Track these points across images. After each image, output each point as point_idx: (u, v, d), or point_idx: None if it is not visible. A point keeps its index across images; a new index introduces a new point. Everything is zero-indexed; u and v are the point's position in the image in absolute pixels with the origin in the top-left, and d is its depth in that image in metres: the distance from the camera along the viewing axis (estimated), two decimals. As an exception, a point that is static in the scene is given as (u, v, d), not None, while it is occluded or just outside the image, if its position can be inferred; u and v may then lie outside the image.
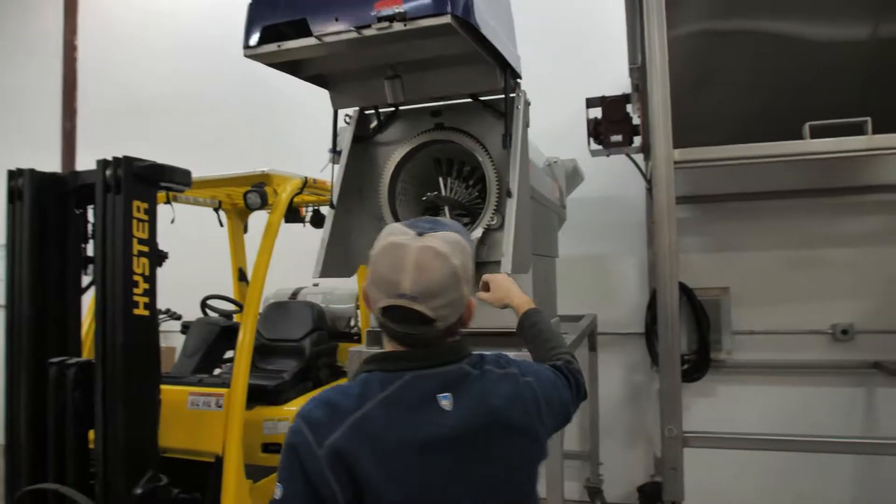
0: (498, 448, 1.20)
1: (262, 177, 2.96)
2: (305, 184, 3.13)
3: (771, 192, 3.65)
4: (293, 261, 4.18)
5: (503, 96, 2.37)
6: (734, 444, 2.36)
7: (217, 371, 3.10)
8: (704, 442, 2.25)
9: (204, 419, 2.63)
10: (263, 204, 2.93)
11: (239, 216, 3.96)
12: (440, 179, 2.53)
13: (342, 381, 3.51)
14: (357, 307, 3.87)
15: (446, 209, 2.52)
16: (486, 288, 1.91)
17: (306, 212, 3.50)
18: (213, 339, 3.17)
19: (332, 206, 2.37)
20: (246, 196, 2.90)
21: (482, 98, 2.40)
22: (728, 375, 3.73)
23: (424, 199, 2.51)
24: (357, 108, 2.54)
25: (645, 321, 3.80)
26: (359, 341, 3.80)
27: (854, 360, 3.56)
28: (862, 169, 3.58)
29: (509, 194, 2.17)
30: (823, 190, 3.61)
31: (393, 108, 2.51)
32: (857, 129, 2.18)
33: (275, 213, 2.96)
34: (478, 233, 2.35)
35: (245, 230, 4.03)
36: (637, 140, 3.18)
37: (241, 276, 3.96)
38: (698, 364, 3.59)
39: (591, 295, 4.03)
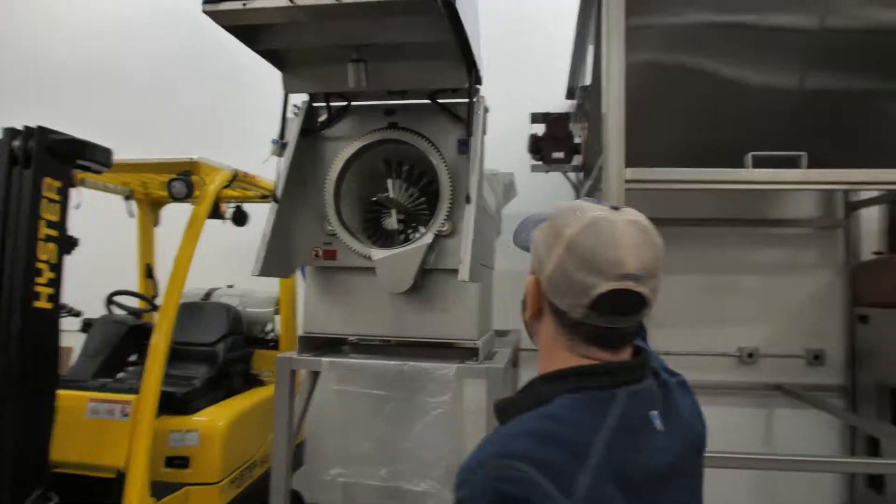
0: (699, 471, 1.07)
1: (189, 165, 2.72)
2: (235, 177, 2.92)
3: (691, 219, 3.81)
4: (206, 260, 3.94)
5: (461, 100, 2.32)
6: None
7: (121, 375, 2.79)
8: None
9: (106, 429, 2.34)
10: (189, 194, 2.68)
11: (151, 207, 3.64)
12: (389, 181, 2.42)
13: (263, 390, 3.31)
14: (276, 312, 3.65)
15: (393, 212, 2.41)
16: None
17: (227, 208, 3.27)
18: (120, 339, 2.86)
19: (275, 200, 2.21)
20: (171, 184, 2.64)
21: (440, 101, 2.33)
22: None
23: (375, 199, 2.40)
24: (306, 100, 2.40)
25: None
26: (276, 348, 3.58)
27: (758, 381, 3.77)
28: (771, 203, 3.83)
29: (468, 200, 2.11)
30: (737, 220, 3.82)
31: (345, 103, 2.38)
32: (793, 163, 2.30)
33: (201, 205, 2.73)
34: (428, 239, 2.27)
35: (156, 223, 3.71)
36: (577, 158, 3.22)
37: (149, 272, 3.63)
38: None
39: (516, 311, 4.03)
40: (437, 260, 2.31)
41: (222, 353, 3.19)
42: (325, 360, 2.35)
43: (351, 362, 2.35)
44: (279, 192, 2.24)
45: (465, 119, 2.30)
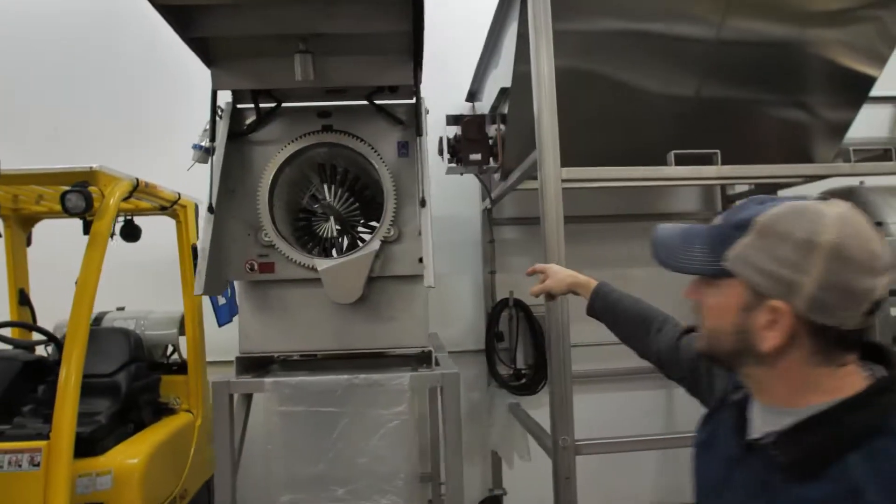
0: None
1: (86, 174, 2.41)
2: (136, 187, 2.63)
3: (592, 216, 4.02)
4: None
5: (400, 101, 2.27)
6: (621, 447, 2.51)
7: (18, 419, 2.40)
8: (594, 448, 2.34)
9: (12, 484, 2.01)
10: (88, 208, 2.38)
11: (21, 225, 3.19)
12: (325, 186, 2.32)
13: (175, 420, 3.02)
14: (180, 333, 3.34)
15: (332, 219, 2.31)
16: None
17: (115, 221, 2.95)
18: (13, 378, 2.46)
19: (211, 210, 2.02)
20: (66, 197, 2.32)
21: (377, 101, 2.26)
22: (559, 386, 3.98)
23: (317, 206, 2.28)
24: (228, 101, 2.22)
25: (486, 339, 3.89)
26: (181, 372, 3.28)
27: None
28: (661, 198, 4.13)
29: (423, 203, 2.06)
30: (632, 215, 4.08)
31: (273, 104, 2.23)
32: (709, 160, 2.50)
33: (102, 220, 2.42)
34: (375, 245, 2.20)
35: (28, 243, 3.26)
36: (491, 160, 3.27)
37: (23, 298, 3.18)
38: (536, 377, 3.77)
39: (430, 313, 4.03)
40: (384, 266, 2.24)
41: (126, 383, 2.87)
42: (267, 380, 2.20)
43: (297, 380, 2.21)
44: (213, 201, 2.05)
45: (404, 120, 2.26)
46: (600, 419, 3.85)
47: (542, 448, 2.68)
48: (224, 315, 3.34)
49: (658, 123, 2.98)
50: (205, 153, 2.19)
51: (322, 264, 2.17)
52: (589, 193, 3.88)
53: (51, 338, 2.71)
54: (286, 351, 2.31)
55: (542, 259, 2.24)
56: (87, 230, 2.87)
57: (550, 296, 1.87)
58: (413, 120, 2.20)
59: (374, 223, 2.36)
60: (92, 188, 2.42)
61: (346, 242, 2.38)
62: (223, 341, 3.48)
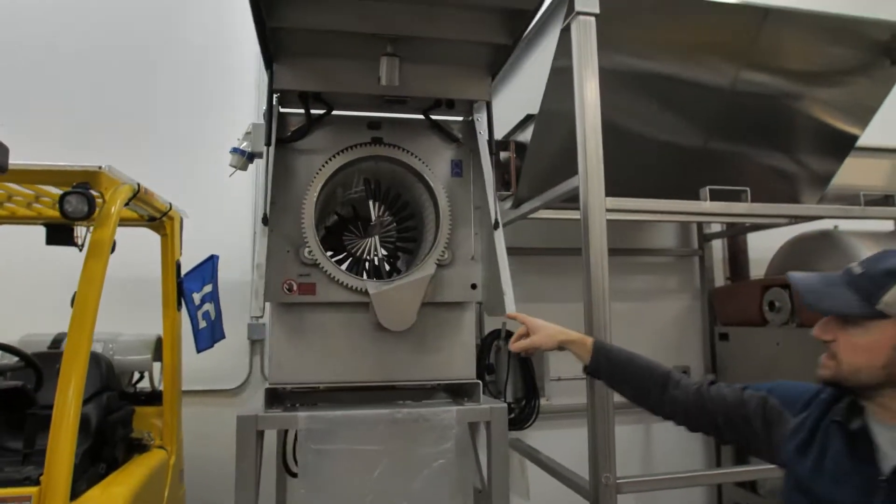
0: None
1: (88, 174, 2.10)
2: (137, 192, 2.34)
3: (570, 248, 4.03)
4: (39, 299, 3.14)
5: (455, 118, 2.16)
6: (660, 484, 2.45)
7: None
8: (636, 486, 2.27)
9: (0, 539, 1.66)
10: (90, 213, 2.07)
11: (-26, 231, 2.76)
12: (371, 203, 2.15)
13: (149, 458, 2.66)
14: (155, 358, 2.99)
15: (376, 239, 2.15)
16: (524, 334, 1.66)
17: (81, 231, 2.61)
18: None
19: (265, 221, 1.80)
20: (65, 199, 2.01)
21: (433, 117, 2.13)
22: (544, 420, 3.90)
23: (372, 224, 2.10)
24: (275, 104, 2.02)
25: (476, 371, 3.75)
26: (153, 402, 2.92)
27: None
28: (638, 234, 4.21)
29: (497, 226, 1.94)
30: (611, 249, 4.12)
31: (323, 111, 2.05)
32: (738, 197, 2.55)
33: (105, 228, 2.12)
34: (430, 269, 2.05)
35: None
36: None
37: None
38: (526, 411, 3.68)
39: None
40: (434, 292, 2.09)
41: (97, 416, 2.50)
42: (301, 414, 1.97)
43: (335, 415, 1.99)
44: (268, 212, 1.83)
45: (459, 138, 2.14)
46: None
47: (560, 484, 2.58)
48: (205, 340, 3.03)
49: (669, 158, 3.05)
50: (246, 159, 1.97)
51: (374, 287, 1.99)
52: (565, 226, 3.89)
53: (29, 362, 2.32)
54: (322, 382, 2.08)
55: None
56: (52, 239, 2.56)
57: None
58: (480, 136, 2.08)
59: (402, 245, 2.20)
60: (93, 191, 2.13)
61: (377, 266, 2.20)
62: (198, 370, 3.18)
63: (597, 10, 2.25)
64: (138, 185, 2.35)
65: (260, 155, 1.98)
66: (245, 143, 1.98)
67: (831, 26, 2.71)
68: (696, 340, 4.20)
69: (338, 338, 2.07)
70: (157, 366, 3.07)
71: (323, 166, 2.03)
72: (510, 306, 1.87)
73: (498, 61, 1.90)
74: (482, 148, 2.08)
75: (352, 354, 2.07)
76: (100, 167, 2.11)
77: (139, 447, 2.75)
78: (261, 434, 2.10)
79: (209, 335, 3.04)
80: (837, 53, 2.84)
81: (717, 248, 4.29)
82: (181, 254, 2.95)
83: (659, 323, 4.21)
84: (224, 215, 3.58)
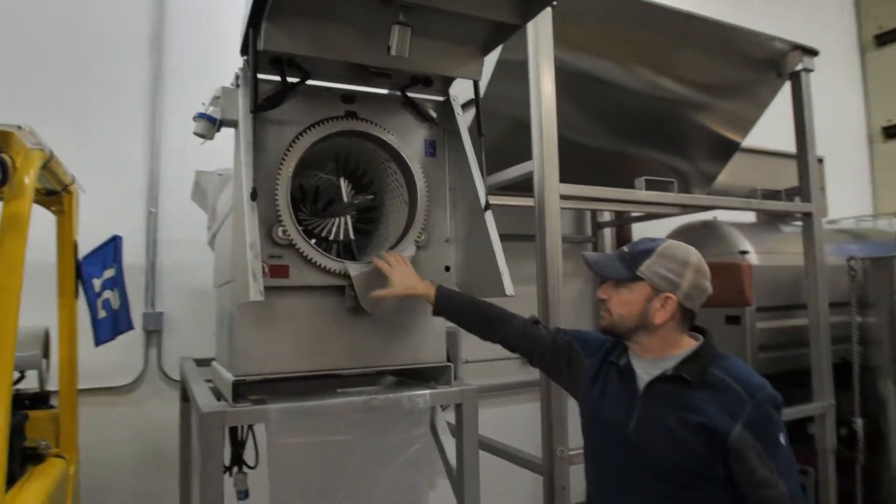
0: None
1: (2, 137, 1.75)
2: (48, 161, 2.00)
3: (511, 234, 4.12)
4: None
5: (432, 97, 2.11)
6: None
7: None
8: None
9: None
10: (5, 180, 1.74)
11: None
12: (342, 181, 2.04)
13: (49, 468, 2.29)
14: (45, 355, 2.57)
15: (348, 219, 2.04)
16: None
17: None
18: None
19: (254, 196, 1.63)
20: (-22, 164, 1.66)
21: (409, 94, 2.06)
22: (455, 403, 3.96)
23: (353, 202, 1.98)
24: (251, 68, 1.82)
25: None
26: (40, 405, 2.52)
27: (537, 379, 4.27)
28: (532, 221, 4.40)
29: (487, 207, 1.92)
30: (510, 235, 4.28)
31: (298, 80, 1.89)
32: (666, 187, 2.76)
33: (22, 199, 1.78)
34: (412, 250, 1.99)
35: None
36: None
37: None
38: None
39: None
40: (411, 275, 2.02)
41: (-15, 425, 2.11)
42: (272, 407, 1.81)
43: (307, 406, 1.86)
44: (246, 185, 1.65)
45: (434, 118, 2.09)
46: (494, 430, 3.94)
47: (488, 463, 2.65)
48: (105, 331, 2.68)
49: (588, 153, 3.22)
50: (212, 125, 1.75)
51: (355, 269, 1.88)
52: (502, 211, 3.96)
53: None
54: (293, 372, 1.93)
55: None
56: None
57: None
58: (458, 117, 2.04)
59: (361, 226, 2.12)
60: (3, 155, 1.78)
61: (347, 247, 2.09)
62: (82, 366, 2.77)
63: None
64: (50, 151, 2.01)
65: (232, 123, 1.77)
66: (213, 109, 1.76)
67: (738, 39, 3.02)
68: (587, 321, 4.48)
69: (308, 324, 1.93)
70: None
71: (297, 139, 1.87)
72: (509, 287, 1.87)
73: (495, 41, 1.87)
74: (462, 128, 2.04)
75: (322, 342, 1.94)
76: (19, 126, 1.77)
77: (34, 457, 2.36)
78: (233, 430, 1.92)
79: (110, 326, 2.69)
80: (736, 65, 3.18)
81: (608, 236, 4.62)
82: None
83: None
84: (111, 191, 3.17)
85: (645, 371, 1.60)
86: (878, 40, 6.08)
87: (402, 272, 1.89)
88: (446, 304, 1.92)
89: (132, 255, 3.19)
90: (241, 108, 1.75)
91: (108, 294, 2.70)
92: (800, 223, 4.44)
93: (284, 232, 1.82)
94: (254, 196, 1.64)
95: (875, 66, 6.11)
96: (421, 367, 2.10)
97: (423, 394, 2.01)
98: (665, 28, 2.83)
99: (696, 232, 3.99)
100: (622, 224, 4.51)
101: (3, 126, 1.76)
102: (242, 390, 1.86)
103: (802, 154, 3.31)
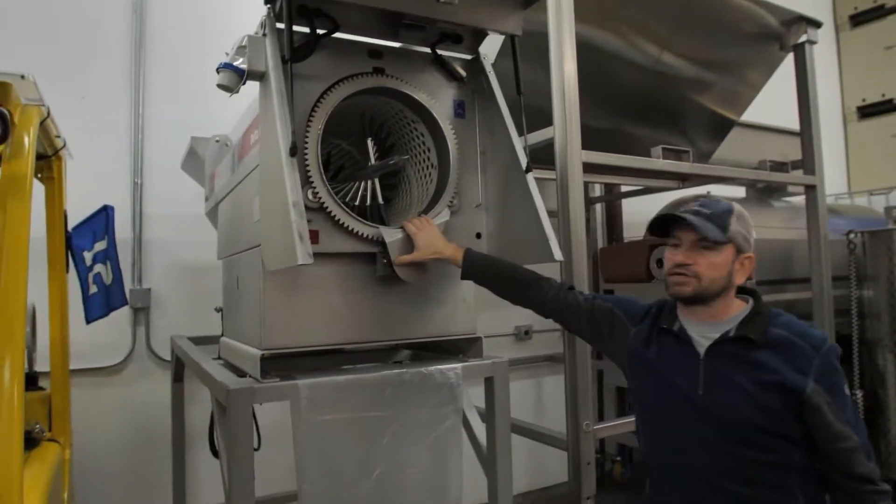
0: None
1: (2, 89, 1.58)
2: (45, 119, 1.82)
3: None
4: None
5: (461, 55, 2.01)
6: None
7: None
8: (611, 430, 2.35)
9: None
10: (5, 136, 1.57)
11: None
12: (369, 142, 1.92)
13: (45, 452, 2.13)
14: (33, 331, 2.38)
15: (376, 182, 1.94)
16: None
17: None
18: None
19: (293, 151, 1.51)
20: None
21: (440, 52, 1.95)
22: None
23: (389, 163, 1.86)
24: (272, 15, 1.69)
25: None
26: (30, 387, 2.34)
27: (533, 355, 4.25)
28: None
29: (528, 169, 1.83)
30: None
31: (326, 31, 1.76)
32: (682, 156, 2.72)
33: (23, 158, 1.62)
34: (445, 215, 1.89)
35: None
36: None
37: None
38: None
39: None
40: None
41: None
42: (302, 382, 1.70)
43: (338, 381, 1.76)
44: (290, 137, 1.52)
45: (464, 77, 1.99)
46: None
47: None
48: (97, 307, 2.52)
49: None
50: (238, 77, 1.61)
51: (391, 235, 1.78)
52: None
53: None
54: (322, 345, 1.81)
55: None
56: None
57: None
58: (474, 77, 1.94)
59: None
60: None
61: (376, 212, 1.98)
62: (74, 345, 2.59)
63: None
64: (48, 108, 1.83)
65: (258, 75, 1.63)
66: (240, 60, 1.62)
67: (742, 11, 2.97)
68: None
69: (337, 294, 1.81)
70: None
71: (326, 94, 1.74)
72: (557, 252, 1.79)
73: (534, -2, 1.78)
74: (495, 87, 1.94)
75: (351, 312, 1.84)
76: (22, 76, 1.60)
77: (29, 441, 2.19)
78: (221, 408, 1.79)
79: (103, 302, 2.52)
80: (738, 39, 3.14)
81: (598, 211, 4.59)
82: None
83: (548, 281, 4.40)
84: (94, 161, 2.96)
85: (701, 335, 1.57)
86: (853, 20, 6.18)
87: (428, 234, 1.80)
88: (475, 268, 1.83)
89: (117, 229, 3.00)
90: (269, 57, 1.61)
91: (99, 268, 2.52)
92: (788, 199, 4.52)
93: (315, 194, 1.70)
94: (293, 151, 1.51)
95: (850, 47, 6.22)
96: (450, 339, 2.00)
97: (454, 367, 1.92)
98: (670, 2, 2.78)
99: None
100: (612, 200, 4.48)
101: (3, 75, 1.58)
102: (265, 366, 1.74)
103: (807, 128, 3.31)
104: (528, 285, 1.86)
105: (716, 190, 4.05)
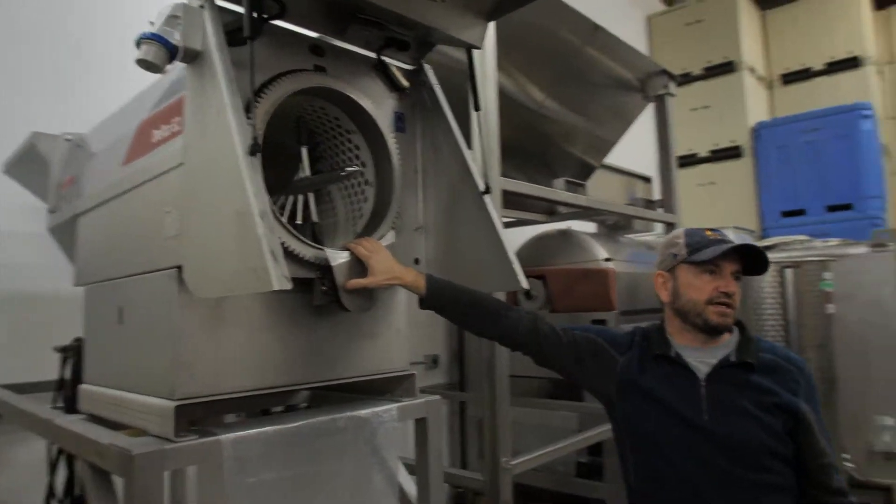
0: None
1: None
2: None
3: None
4: None
5: (405, 65, 1.85)
6: (551, 455, 2.45)
7: None
8: (530, 463, 2.27)
9: None
10: None
11: None
12: (304, 151, 1.68)
13: None
14: None
15: (311, 198, 1.70)
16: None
17: None
18: None
19: (255, 150, 1.22)
20: None
21: (384, 58, 1.77)
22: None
23: (340, 174, 1.62)
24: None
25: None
26: None
27: (441, 382, 4.10)
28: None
29: (488, 190, 1.70)
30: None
31: (271, 15, 1.50)
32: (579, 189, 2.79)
33: None
34: (391, 238, 1.71)
35: None
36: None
37: None
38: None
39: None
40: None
41: None
42: (225, 437, 1.38)
43: (267, 433, 1.46)
44: (251, 132, 1.22)
45: (406, 88, 1.82)
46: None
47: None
48: None
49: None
50: (167, 54, 1.27)
51: (336, 258, 1.53)
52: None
53: None
54: (248, 390, 1.48)
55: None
56: None
57: None
58: (415, 89, 1.79)
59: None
60: None
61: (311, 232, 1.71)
62: None
63: None
64: None
65: (192, 56, 1.30)
66: (169, 32, 1.27)
67: (621, 58, 3.18)
68: (443, 329, 4.37)
69: (265, 329, 1.52)
70: None
71: (266, 89, 1.46)
72: (523, 279, 1.66)
73: (505, 7, 1.66)
74: (442, 100, 1.79)
75: (284, 349, 1.55)
76: None
77: None
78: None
79: None
80: (610, 86, 3.35)
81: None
82: None
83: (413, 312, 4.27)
84: None
85: (698, 360, 1.60)
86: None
87: (384, 258, 1.59)
88: (442, 296, 1.68)
89: None
90: (211, 35, 1.30)
91: None
92: (632, 234, 4.91)
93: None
94: (254, 150, 1.22)
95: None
96: (385, 377, 1.79)
97: (388, 408, 1.71)
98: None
99: (555, 240, 4.12)
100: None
101: None
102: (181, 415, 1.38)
103: (666, 172, 3.62)
104: (498, 314, 1.75)
105: (575, 226, 4.29)
